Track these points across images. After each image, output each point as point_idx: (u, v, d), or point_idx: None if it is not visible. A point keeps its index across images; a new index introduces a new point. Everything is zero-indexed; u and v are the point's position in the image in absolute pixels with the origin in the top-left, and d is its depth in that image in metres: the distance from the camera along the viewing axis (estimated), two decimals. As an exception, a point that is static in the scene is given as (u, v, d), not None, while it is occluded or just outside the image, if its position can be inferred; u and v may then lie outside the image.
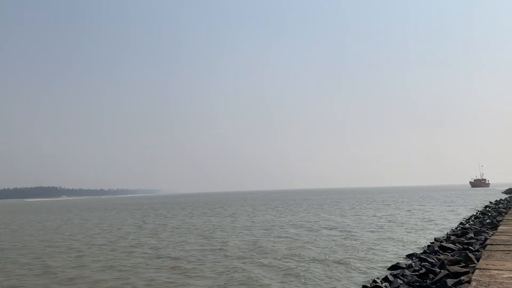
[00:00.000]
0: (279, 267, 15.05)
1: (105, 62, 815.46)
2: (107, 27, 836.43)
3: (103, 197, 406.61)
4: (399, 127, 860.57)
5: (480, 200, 66.07)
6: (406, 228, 27.07)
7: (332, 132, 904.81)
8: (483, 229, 19.53)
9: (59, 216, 59.79)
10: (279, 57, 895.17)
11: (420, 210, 46.29)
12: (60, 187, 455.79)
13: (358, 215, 40.88)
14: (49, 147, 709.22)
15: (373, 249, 18.74)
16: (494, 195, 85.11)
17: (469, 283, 6.72)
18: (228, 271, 14.73)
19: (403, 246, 19.43)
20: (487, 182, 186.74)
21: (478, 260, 9.38)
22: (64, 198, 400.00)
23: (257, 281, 13.04)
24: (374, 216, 38.99)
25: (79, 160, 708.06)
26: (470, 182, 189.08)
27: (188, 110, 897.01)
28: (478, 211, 36.21)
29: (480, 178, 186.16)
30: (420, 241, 20.59)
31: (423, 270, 11.51)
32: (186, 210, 62.21)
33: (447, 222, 30.82)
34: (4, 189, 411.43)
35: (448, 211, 43.41)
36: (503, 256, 8.49)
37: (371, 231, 25.88)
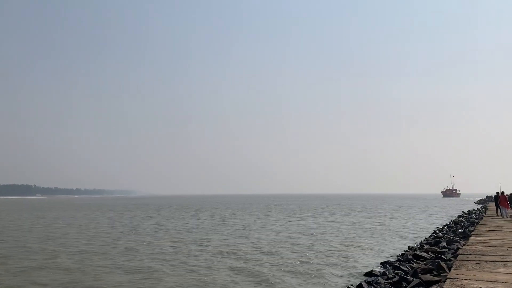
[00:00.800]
0: (250, 273, 14.99)
1: (92, 60, 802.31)
2: (109, 24, 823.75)
3: (76, 196, 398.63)
4: (372, 135, 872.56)
5: (453, 209, 67.52)
6: (381, 236, 27.40)
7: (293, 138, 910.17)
8: (455, 238, 19.93)
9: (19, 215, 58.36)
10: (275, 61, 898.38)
11: (394, 218, 46.99)
12: (34, 186, 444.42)
13: (335, 221, 41.20)
14: (25, 144, 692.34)
15: (348, 256, 18.88)
16: (467, 205, 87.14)
17: (440, 292, 6.83)
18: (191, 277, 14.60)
19: (377, 253, 19.64)
20: (458, 192, 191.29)
21: (449, 269, 9.54)
22: (38, 196, 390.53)
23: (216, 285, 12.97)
24: (351, 223, 39.36)
25: (56, 158, 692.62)
26: (442, 192, 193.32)
27: (168, 112, 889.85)
28: (451, 220, 36.96)
29: (451, 188, 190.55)
30: (394, 249, 20.87)
31: (397, 278, 11.66)
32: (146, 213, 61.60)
33: (421, 231, 31.35)
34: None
35: (422, 219, 44.19)
36: (473, 266, 8.66)
37: (346, 238, 26.09)
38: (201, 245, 22.60)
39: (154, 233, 29.88)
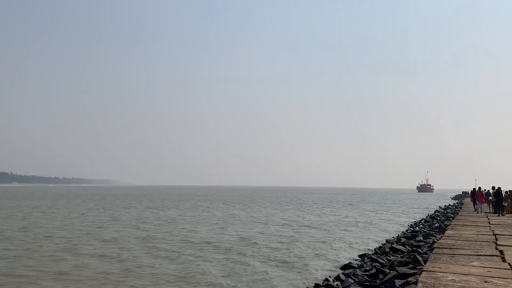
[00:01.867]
0: (227, 264, 15.05)
1: (75, 51, 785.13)
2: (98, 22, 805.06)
3: (50, 185, 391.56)
4: (351, 131, 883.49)
5: (429, 204, 68.96)
6: (359, 229, 27.80)
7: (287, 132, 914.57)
8: (431, 232, 20.39)
9: None
10: (267, 55, 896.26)
11: (372, 211, 47.72)
12: (11, 173, 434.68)
13: (316, 214, 41.60)
14: (1, 131, 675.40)
15: (327, 248, 19.10)
16: (442, 200, 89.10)
17: (416, 284, 6.97)
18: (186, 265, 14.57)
19: (355, 246, 19.93)
20: (431, 187, 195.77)
21: (425, 262, 9.76)
22: (14, 184, 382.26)
23: (203, 275, 12.99)
24: (332, 215, 39.81)
25: (33, 146, 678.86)
26: (417, 187, 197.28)
27: (152, 101, 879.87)
28: (428, 215, 37.73)
29: (425, 183, 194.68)
30: (372, 242, 21.20)
31: (374, 270, 11.87)
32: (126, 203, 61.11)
33: (398, 224, 31.93)
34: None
35: (399, 213, 44.99)
36: (448, 260, 8.86)
37: (326, 230, 26.39)
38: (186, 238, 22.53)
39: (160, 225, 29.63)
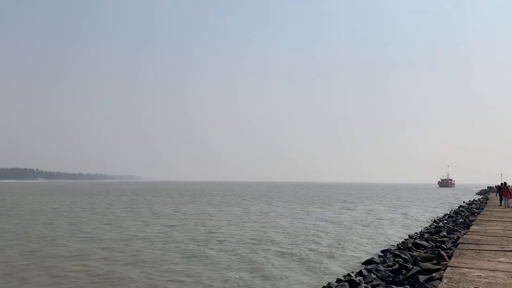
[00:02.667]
0: (247, 258, 15.13)
1: (89, 48, 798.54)
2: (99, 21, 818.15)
3: (71, 181, 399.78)
4: (376, 127, 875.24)
5: (452, 200, 67.67)
6: (381, 224, 27.53)
7: (312, 128, 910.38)
8: (456, 228, 20.02)
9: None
10: (260, 51, 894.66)
11: (395, 207, 47.14)
12: (37, 170, 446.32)
13: (338, 209, 41.38)
14: (28, 128, 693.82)
15: (349, 243, 19.00)
16: (466, 195, 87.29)
17: (440, 280, 6.88)
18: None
19: (378, 241, 19.76)
20: (453, 182, 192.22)
21: (450, 258, 9.61)
22: (40, 180, 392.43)
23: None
24: (353, 211, 39.54)
25: (57, 142, 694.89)
26: (439, 182, 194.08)
27: (170, 99, 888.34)
28: (452, 210, 37.05)
29: (446, 178, 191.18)
30: (394, 238, 20.98)
31: (397, 265, 11.74)
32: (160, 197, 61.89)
33: (420, 220, 31.47)
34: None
35: (422, 209, 44.31)
36: (474, 255, 8.71)
37: (349, 226, 26.23)
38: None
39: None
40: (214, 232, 22.23)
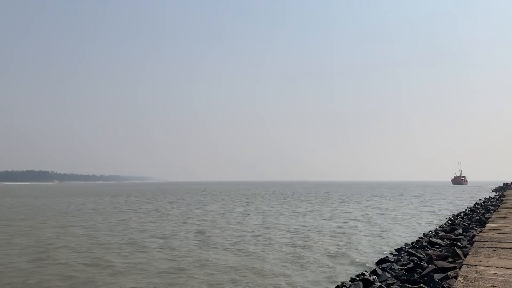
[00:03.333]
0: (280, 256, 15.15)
1: (96, 48, 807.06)
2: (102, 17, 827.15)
3: (83, 182, 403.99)
4: (384, 124, 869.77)
5: (466, 197, 66.81)
6: (395, 223, 27.33)
7: (321, 126, 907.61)
8: (471, 226, 19.74)
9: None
10: (275, 51, 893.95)
11: (408, 205, 46.74)
12: (51, 172, 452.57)
13: (352, 207, 41.19)
14: (41, 131, 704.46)
15: (363, 242, 18.91)
16: (481, 192, 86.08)
17: (456, 279, 6.80)
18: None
19: (392, 240, 19.63)
20: (466, 179, 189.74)
21: (465, 256, 9.49)
22: (55, 182, 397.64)
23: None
24: (367, 209, 39.32)
25: (71, 144, 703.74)
26: (452, 179, 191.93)
27: (182, 98, 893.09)
28: (467, 208, 36.59)
29: (459, 175, 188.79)
30: (408, 236, 20.81)
31: (411, 264, 11.64)
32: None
33: (435, 218, 31.17)
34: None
35: (436, 207, 43.85)
36: (490, 253, 8.59)
37: (363, 224, 26.10)
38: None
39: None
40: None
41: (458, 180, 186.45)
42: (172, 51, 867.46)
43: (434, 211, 37.49)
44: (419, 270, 10.74)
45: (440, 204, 48.35)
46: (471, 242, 12.90)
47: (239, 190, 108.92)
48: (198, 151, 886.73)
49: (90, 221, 28.80)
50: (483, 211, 29.56)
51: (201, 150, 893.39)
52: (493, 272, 6.84)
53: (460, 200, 56.97)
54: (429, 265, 10.40)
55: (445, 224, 24.48)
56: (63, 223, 27.47)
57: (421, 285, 8.89)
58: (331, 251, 16.50)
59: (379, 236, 21.05)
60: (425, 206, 45.51)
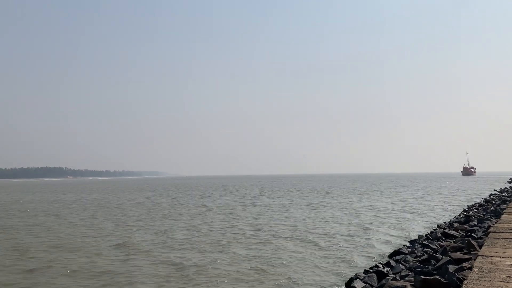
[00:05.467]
0: (298, 244, 15.22)
1: (102, 46, 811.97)
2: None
3: (100, 178, 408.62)
4: (395, 118, 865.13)
5: (478, 188, 66.02)
6: (408, 215, 27.18)
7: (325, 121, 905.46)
8: (486, 216, 19.53)
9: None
10: (263, 47, 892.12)
11: (421, 197, 46.38)
12: (66, 168, 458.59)
13: (364, 200, 41.04)
14: (56, 128, 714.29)
15: (377, 233, 18.86)
16: (491, 184, 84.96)
17: (471, 270, 6.76)
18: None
19: (405, 232, 19.54)
20: (474, 170, 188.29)
21: (480, 247, 9.41)
22: (70, 178, 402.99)
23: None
24: (379, 201, 39.13)
25: (85, 141, 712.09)
26: (462, 170, 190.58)
27: (194, 94, 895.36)
28: (483, 198, 36.17)
29: (468, 166, 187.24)
30: (422, 228, 20.69)
31: (425, 256, 11.57)
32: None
33: (449, 209, 30.90)
34: (11, 168, 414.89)
35: (449, 198, 43.44)
36: (505, 244, 8.51)
37: (376, 216, 26.01)
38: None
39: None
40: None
41: (468, 171, 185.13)
42: (167, 49, 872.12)
43: (447, 203, 37.14)
44: (433, 262, 10.67)
45: (453, 195, 47.89)
46: (486, 233, 12.77)
47: (255, 184, 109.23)
48: (203, 147, 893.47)
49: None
50: (498, 201, 29.19)
51: (203, 146, 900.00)
52: (508, 263, 6.78)
53: (470, 192, 56.34)
54: (444, 257, 10.33)
55: (459, 215, 24.26)
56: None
57: (436, 276, 8.84)
58: (342, 241, 16.50)
59: (392, 228, 20.98)
60: (437, 197, 45.14)
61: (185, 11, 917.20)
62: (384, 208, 31.95)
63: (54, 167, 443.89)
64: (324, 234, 18.96)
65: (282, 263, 13.26)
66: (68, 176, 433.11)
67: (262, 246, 16.13)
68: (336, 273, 12.03)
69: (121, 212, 32.05)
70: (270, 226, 21.98)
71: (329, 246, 16.00)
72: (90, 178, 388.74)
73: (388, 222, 23.41)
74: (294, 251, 15.04)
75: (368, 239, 17.67)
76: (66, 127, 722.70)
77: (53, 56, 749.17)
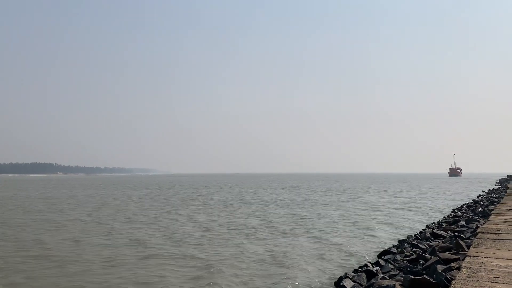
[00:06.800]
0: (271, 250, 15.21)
1: (95, 40, 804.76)
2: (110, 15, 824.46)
3: (92, 175, 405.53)
4: (385, 119, 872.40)
5: (466, 189, 66.64)
6: (397, 215, 27.33)
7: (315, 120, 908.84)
8: (474, 217, 19.71)
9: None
10: (250, 44, 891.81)
11: (409, 197, 46.70)
12: (56, 164, 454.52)
13: (353, 199, 41.21)
14: (46, 123, 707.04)
15: (365, 233, 18.94)
16: (479, 185, 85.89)
17: (459, 270, 6.81)
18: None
19: (394, 232, 19.65)
20: (460, 171, 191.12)
21: (468, 248, 9.50)
22: (59, 174, 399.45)
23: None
24: (370, 201, 39.32)
25: (75, 137, 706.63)
26: (449, 171, 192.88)
27: (185, 90, 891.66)
28: (471, 199, 36.54)
29: (454, 167, 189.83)
30: (411, 228, 20.82)
31: (414, 255, 11.64)
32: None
33: (437, 209, 31.14)
34: (0, 164, 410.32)
35: (437, 199, 43.80)
36: (493, 245, 8.59)
37: (363, 216, 26.13)
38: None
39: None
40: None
41: (454, 172, 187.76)
42: (156, 46, 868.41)
43: (436, 203, 37.44)
44: (422, 262, 10.75)
45: (442, 196, 48.30)
46: (474, 233, 12.89)
47: (249, 182, 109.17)
48: (191, 144, 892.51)
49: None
50: (486, 203, 29.50)
51: (195, 144, 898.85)
52: (496, 263, 6.85)
53: (458, 193, 56.86)
54: (432, 257, 10.40)
55: (448, 215, 24.47)
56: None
57: (424, 276, 8.90)
58: (330, 241, 16.55)
59: (381, 228, 21.08)
60: (426, 198, 45.48)
61: (172, 7, 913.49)
62: (374, 207, 32.10)
63: (44, 163, 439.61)
64: (314, 233, 19.01)
65: (274, 260, 13.28)
66: (58, 172, 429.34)
67: (251, 245, 16.12)
68: (325, 272, 12.06)
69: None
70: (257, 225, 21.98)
71: (319, 245, 16.03)
72: (77, 175, 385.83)
73: (377, 221, 23.53)
74: (284, 250, 15.05)
75: (358, 238, 17.75)
76: (56, 123, 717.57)
77: (43, 51, 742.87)
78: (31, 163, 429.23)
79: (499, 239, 9.32)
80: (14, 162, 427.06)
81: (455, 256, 9.88)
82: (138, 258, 13.84)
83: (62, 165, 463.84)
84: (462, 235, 14.21)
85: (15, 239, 17.65)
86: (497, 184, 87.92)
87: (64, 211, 29.88)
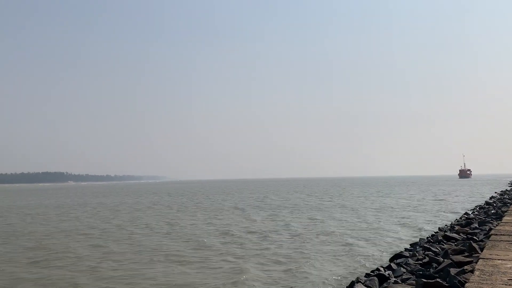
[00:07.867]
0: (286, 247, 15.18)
1: (105, 52, 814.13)
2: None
3: (102, 183, 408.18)
4: (394, 122, 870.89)
5: (477, 191, 65.88)
6: (409, 218, 27.11)
7: (330, 124, 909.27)
8: (487, 219, 19.49)
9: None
10: (267, 49, 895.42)
11: (420, 199, 46.32)
12: (66, 173, 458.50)
13: (367, 202, 40.96)
14: (56, 133, 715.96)
15: (378, 237, 18.81)
16: (496, 185, 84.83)
17: (472, 273, 6.74)
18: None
19: (406, 235, 19.49)
20: (470, 172, 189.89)
21: (482, 250, 9.39)
22: (71, 183, 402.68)
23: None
24: (382, 204, 39.06)
25: (85, 146, 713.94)
26: (459, 173, 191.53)
27: (194, 97, 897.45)
28: (484, 201, 36.13)
29: (464, 169, 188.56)
30: (423, 231, 20.64)
31: (427, 259, 11.54)
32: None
33: (450, 212, 30.83)
34: (12, 173, 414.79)
35: (449, 201, 43.36)
36: (507, 247, 8.49)
37: (376, 219, 25.96)
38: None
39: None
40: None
41: (464, 174, 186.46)
42: (169, 51, 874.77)
43: (447, 205, 37.07)
44: (435, 265, 10.64)
45: (453, 198, 47.80)
46: (487, 235, 12.75)
47: (263, 188, 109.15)
48: (201, 151, 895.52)
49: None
50: (499, 204, 29.15)
51: (204, 150, 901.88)
52: (510, 265, 6.76)
53: (469, 194, 56.25)
54: (445, 260, 10.30)
55: (460, 218, 24.21)
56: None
57: (437, 279, 8.82)
58: (343, 244, 16.46)
59: (393, 231, 20.92)
60: (436, 200, 45.06)
61: (188, 13, 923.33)
62: (386, 210, 31.88)
63: (55, 172, 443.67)
64: (327, 236, 18.94)
65: (286, 264, 13.24)
66: (69, 181, 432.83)
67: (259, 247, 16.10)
68: (337, 276, 11.99)
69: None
70: (268, 227, 21.95)
71: (330, 249, 15.96)
72: (86, 183, 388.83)
73: (388, 225, 23.36)
74: (296, 254, 15.00)
75: (370, 241, 17.63)
76: (66, 132, 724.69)
77: (54, 59, 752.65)
78: (42, 172, 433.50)
79: (513, 240, 9.20)
80: (25, 171, 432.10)
81: (468, 259, 9.77)
82: (169, 262, 13.93)
83: (73, 174, 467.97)
84: (475, 237, 14.05)
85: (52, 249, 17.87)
86: (509, 185, 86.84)
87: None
